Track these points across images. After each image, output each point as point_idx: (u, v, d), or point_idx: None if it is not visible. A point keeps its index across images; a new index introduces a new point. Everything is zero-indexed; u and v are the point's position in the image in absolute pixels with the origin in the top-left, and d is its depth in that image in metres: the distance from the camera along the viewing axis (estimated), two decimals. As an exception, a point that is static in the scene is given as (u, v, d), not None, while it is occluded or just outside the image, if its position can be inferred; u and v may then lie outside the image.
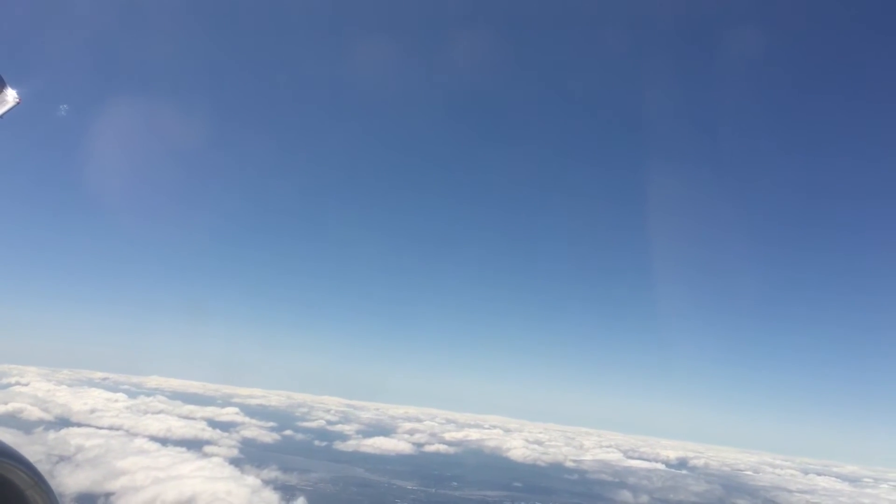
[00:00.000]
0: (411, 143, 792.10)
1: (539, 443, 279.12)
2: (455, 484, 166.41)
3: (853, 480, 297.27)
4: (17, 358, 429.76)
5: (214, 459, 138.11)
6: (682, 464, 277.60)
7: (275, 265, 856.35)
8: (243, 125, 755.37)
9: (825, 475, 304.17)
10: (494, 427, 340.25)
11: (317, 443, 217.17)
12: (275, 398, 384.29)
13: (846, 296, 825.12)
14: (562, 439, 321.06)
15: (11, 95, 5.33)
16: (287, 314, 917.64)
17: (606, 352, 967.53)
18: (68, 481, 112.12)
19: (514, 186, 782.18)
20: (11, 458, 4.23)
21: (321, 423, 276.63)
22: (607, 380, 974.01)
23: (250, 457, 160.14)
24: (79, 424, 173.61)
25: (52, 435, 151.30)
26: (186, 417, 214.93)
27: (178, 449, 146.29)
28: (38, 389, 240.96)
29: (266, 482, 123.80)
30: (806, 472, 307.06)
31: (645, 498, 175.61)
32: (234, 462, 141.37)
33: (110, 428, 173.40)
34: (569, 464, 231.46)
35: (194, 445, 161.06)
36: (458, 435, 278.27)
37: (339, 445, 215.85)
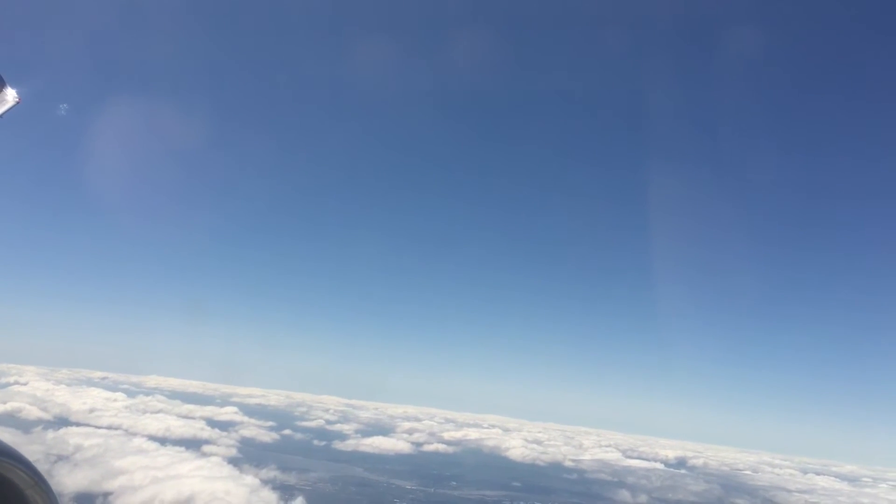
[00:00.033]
0: (411, 143, 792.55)
1: (538, 442, 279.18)
2: (454, 483, 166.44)
3: (852, 480, 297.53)
4: (15, 357, 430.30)
5: (213, 459, 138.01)
6: (680, 463, 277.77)
7: (274, 265, 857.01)
8: (243, 125, 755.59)
9: (824, 475, 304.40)
10: (493, 426, 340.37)
11: (316, 442, 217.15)
12: (274, 398, 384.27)
13: (845, 296, 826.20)
14: (561, 439, 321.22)
15: (11, 95, 5.33)
16: (286, 314, 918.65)
17: (605, 351, 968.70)
18: (67, 481, 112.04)
19: (513, 186, 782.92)
20: (11, 457, 4.23)
21: (320, 422, 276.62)
22: (606, 380, 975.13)
23: (249, 456, 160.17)
24: (77, 424, 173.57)
25: (50, 434, 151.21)
26: (185, 417, 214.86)
27: (177, 448, 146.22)
28: (36, 389, 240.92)
29: (265, 482, 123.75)
30: (805, 472, 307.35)
31: (644, 497, 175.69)
32: (233, 461, 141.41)
33: (109, 427, 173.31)
34: (568, 463, 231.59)
35: (193, 445, 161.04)
36: (456, 434, 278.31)
37: (338, 445, 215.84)
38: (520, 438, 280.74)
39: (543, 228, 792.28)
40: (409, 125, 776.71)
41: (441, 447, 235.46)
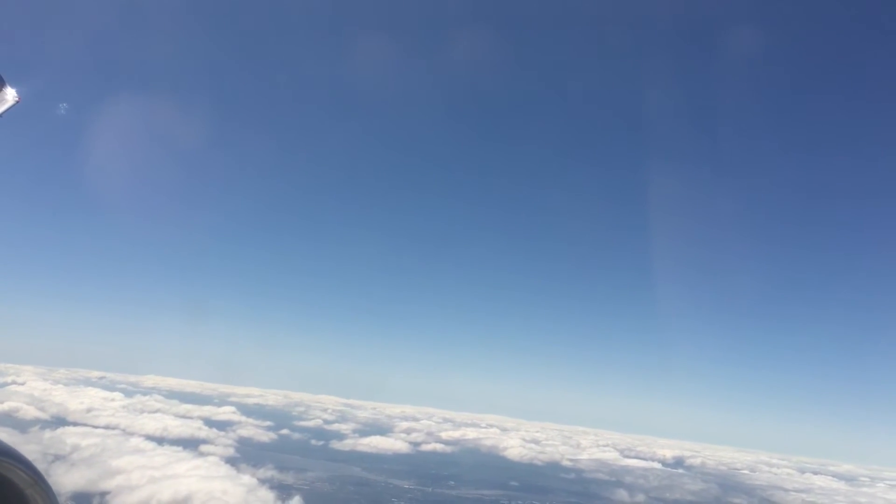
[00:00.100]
0: (411, 143, 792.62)
1: (536, 442, 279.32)
2: (452, 483, 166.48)
3: (849, 479, 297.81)
4: (13, 357, 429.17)
5: (210, 458, 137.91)
6: (678, 463, 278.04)
7: (272, 264, 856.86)
8: (243, 125, 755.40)
9: (822, 474, 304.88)
10: (491, 426, 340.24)
11: (313, 442, 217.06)
12: (272, 397, 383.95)
13: (844, 296, 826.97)
14: (559, 438, 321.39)
15: (11, 94, 5.32)
16: (285, 313, 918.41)
17: (604, 351, 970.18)
18: (64, 480, 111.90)
19: (512, 186, 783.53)
20: (11, 456, 4.23)
21: (318, 422, 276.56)
22: (604, 379, 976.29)
23: (247, 456, 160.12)
24: (75, 423, 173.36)
25: (47, 434, 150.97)
26: (183, 416, 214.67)
27: (175, 448, 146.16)
28: (34, 388, 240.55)
29: (262, 481, 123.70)
30: (802, 471, 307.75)
31: (641, 497, 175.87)
32: (231, 461, 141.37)
33: (106, 427, 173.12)
34: (565, 463, 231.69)
35: (190, 444, 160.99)
36: (454, 434, 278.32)
37: (336, 444, 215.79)
38: (518, 438, 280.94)
39: (542, 228, 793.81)
40: (408, 125, 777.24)
41: (439, 447, 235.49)
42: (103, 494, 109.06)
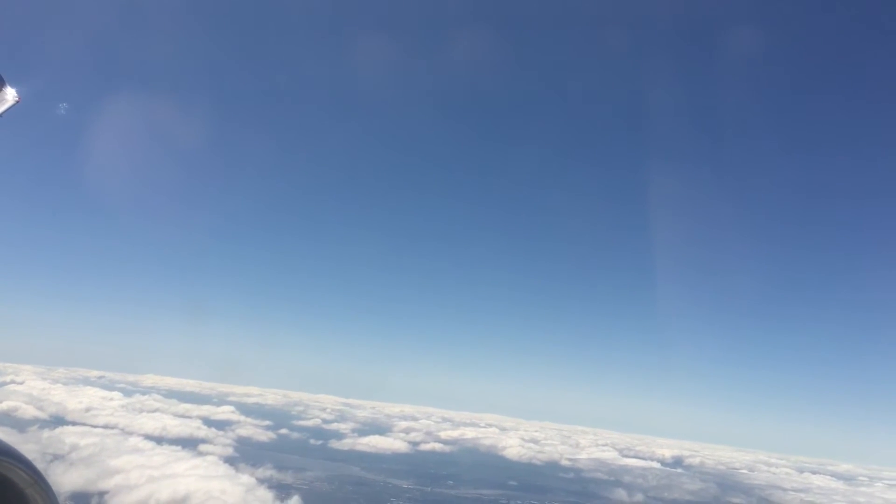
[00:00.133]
0: (411, 143, 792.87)
1: (535, 441, 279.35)
2: (451, 482, 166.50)
3: (848, 479, 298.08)
4: (12, 356, 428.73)
5: (209, 458, 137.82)
6: (677, 462, 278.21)
7: (272, 264, 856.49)
8: (243, 125, 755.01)
9: (820, 474, 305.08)
10: (490, 426, 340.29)
11: (312, 441, 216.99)
12: (271, 397, 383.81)
13: (843, 296, 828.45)
14: (558, 438, 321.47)
15: (11, 94, 5.32)
16: (284, 313, 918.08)
17: (603, 351, 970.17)
18: (62, 480, 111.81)
19: (510, 185, 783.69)
20: (11, 456, 4.23)
21: (317, 421, 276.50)
22: (603, 379, 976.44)
23: (245, 455, 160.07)
24: (74, 423, 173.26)
25: (46, 433, 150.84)
26: (182, 416, 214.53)
27: (173, 447, 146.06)
28: (33, 388, 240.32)
29: (261, 481, 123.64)
30: (801, 471, 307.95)
31: (640, 496, 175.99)
32: (229, 461, 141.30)
33: (105, 426, 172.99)
34: (564, 462, 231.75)
35: (189, 444, 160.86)
36: (453, 433, 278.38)
37: (335, 444, 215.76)
38: (516, 437, 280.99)
39: (541, 228, 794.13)
40: (409, 125, 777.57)
41: (438, 446, 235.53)
42: (102, 494, 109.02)
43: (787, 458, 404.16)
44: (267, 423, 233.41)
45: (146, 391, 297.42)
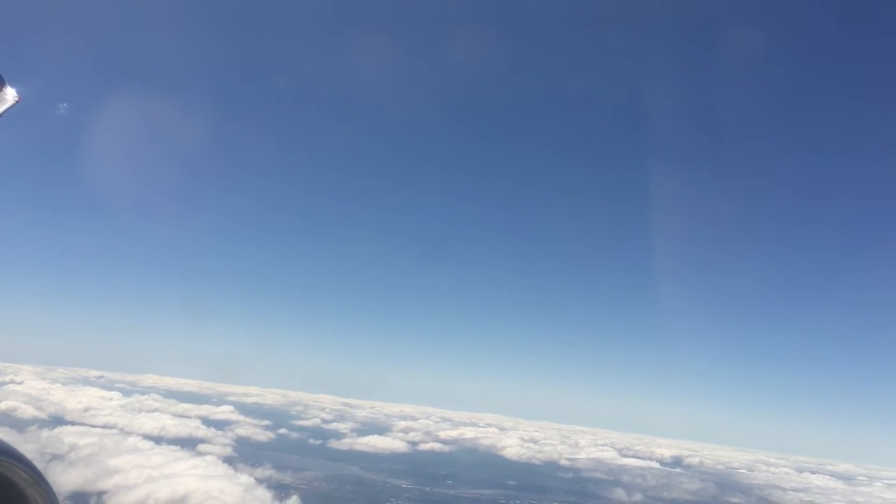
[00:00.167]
0: (411, 143, 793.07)
1: (534, 441, 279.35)
2: (450, 482, 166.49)
3: (847, 479, 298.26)
4: (11, 356, 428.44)
5: (208, 458, 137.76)
6: (676, 462, 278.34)
7: (271, 264, 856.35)
8: (243, 125, 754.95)
9: (819, 473, 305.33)
10: (489, 425, 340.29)
11: (311, 441, 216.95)
12: (270, 396, 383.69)
13: (842, 295, 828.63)
14: (557, 438, 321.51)
15: (11, 94, 5.32)
16: (283, 313, 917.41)
17: (602, 350, 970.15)
18: (61, 480, 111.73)
19: (509, 185, 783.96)
20: (11, 456, 4.24)
21: (316, 421, 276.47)
22: (603, 379, 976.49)
23: (244, 455, 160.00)
24: (73, 423, 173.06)
25: (45, 433, 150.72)
26: (181, 416, 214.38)
27: (172, 447, 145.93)
28: (32, 388, 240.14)
29: (260, 480, 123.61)
30: (800, 471, 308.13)
31: (639, 496, 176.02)
32: (228, 460, 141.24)
33: (104, 426, 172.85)
34: (563, 462, 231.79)
35: (188, 444, 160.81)
36: (453, 433, 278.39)
37: (334, 444, 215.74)
38: (516, 437, 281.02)
39: (540, 228, 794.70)
40: (408, 125, 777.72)
41: (437, 446, 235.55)
42: (101, 494, 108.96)
43: (787, 457, 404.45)
44: (266, 422, 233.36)
45: (145, 391, 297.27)
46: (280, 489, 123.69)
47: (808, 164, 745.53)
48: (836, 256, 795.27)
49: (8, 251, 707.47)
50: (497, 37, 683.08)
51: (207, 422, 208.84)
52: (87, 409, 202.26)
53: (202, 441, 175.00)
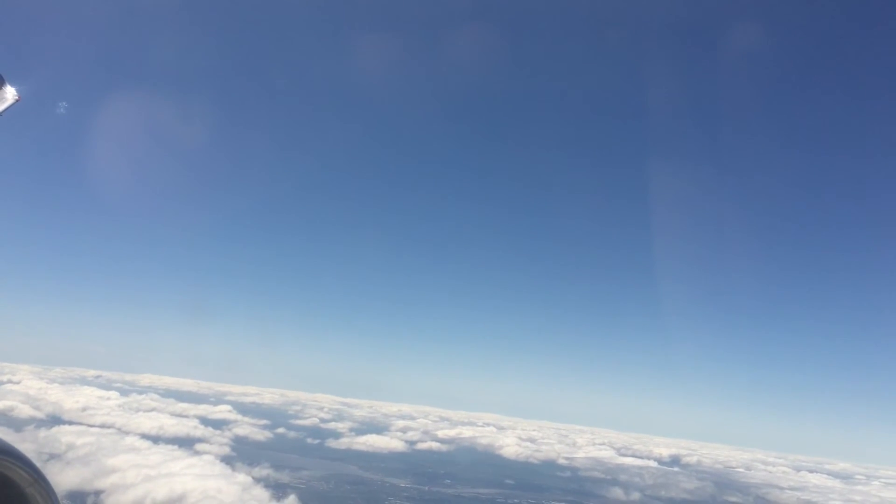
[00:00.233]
0: (411, 143, 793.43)
1: (532, 440, 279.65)
2: (448, 481, 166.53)
3: (845, 477, 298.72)
4: (9, 356, 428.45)
5: (206, 457, 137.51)
6: (674, 461, 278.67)
7: (269, 264, 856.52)
8: (243, 125, 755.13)
9: (817, 472, 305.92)
10: (487, 425, 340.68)
11: (309, 441, 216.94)
12: (268, 396, 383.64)
13: (840, 294, 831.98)
14: (555, 437, 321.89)
15: (11, 93, 5.32)
16: (282, 312, 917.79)
17: (601, 350, 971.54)
18: (58, 479, 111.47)
19: (507, 184, 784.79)
20: (11, 455, 4.23)
21: (314, 420, 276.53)
22: (601, 378, 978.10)
23: (242, 455, 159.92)
24: (70, 422, 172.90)
25: (43, 433, 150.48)
26: (179, 415, 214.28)
27: (170, 447, 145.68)
28: (29, 387, 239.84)
29: (257, 480, 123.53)
30: (798, 470, 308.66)
31: (636, 495, 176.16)
32: (226, 460, 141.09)
33: (102, 426, 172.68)
34: (561, 461, 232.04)
35: (186, 443, 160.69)
36: (451, 433, 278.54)
37: (332, 443, 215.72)
38: (514, 436, 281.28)
39: (539, 227, 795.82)
40: (409, 125, 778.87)
41: (435, 445, 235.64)
42: (98, 493, 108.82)
43: (784, 456, 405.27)
44: (264, 422, 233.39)
45: (143, 390, 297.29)
46: (278, 488, 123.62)
47: (809, 164, 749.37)
48: (835, 255, 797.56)
49: (6, 250, 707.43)
50: (497, 37, 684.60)
51: (205, 421, 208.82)
52: (84, 409, 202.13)
53: (200, 440, 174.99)
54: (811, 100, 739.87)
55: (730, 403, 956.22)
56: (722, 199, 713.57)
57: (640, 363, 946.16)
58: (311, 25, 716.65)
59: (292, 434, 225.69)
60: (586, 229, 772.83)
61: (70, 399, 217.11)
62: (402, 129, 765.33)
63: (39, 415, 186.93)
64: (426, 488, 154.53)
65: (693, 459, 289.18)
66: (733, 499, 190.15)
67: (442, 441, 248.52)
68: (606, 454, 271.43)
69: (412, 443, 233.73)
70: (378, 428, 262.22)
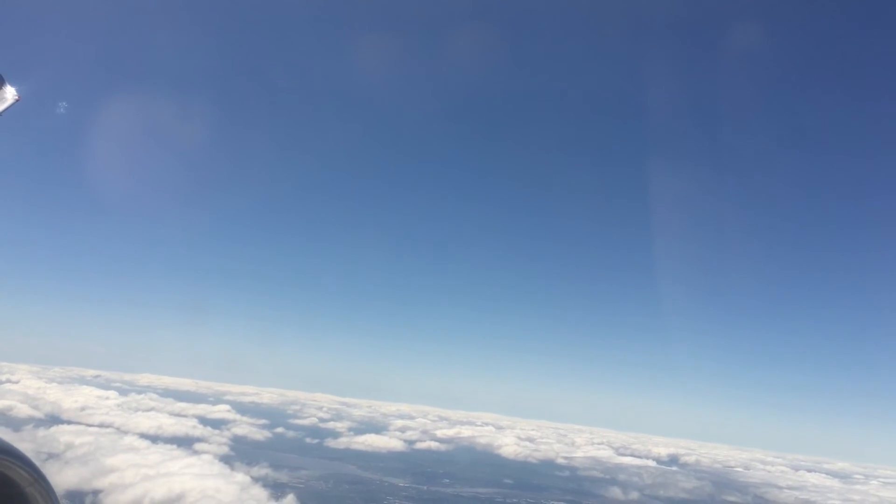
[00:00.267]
0: (411, 143, 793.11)
1: (531, 440, 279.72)
2: (447, 481, 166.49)
3: (843, 477, 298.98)
4: (8, 355, 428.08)
5: (204, 457, 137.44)
6: (673, 460, 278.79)
7: (269, 263, 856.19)
8: (243, 125, 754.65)
9: (816, 472, 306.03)
10: (486, 424, 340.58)
11: (308, 440, 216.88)
12: (267, 396, 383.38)
13: (839, 294, 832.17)
14: (553, 436, 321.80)
15: (11, 93, 5.32)
16: (281, 312, 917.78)
17: (600, 350, 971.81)
18: (57, 479, 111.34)
19: (507, 183, 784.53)
20: (11, 455, 4.24)
21: (313, 420, 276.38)
22: (600, 377, 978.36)
23: (241, 454, 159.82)
24: (69, 422, 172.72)
25: (41, 432, 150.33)
26: (178, 415, 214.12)
27: (169, 446, 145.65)
28: (28, 387, 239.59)
29: (256, 479, 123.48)
30: (796, 469, 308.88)
31: (635, 494, 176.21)
32: (225, 459, 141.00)
33: (100, 425, 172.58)
34: (560, 461, 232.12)
35: (185, 443, 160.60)
36: (449, 432, 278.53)
37: (331, 443, 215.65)
38: (512, 436, 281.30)
39: (539, 227, 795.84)
40: (409, 125, 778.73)
41: (434, 445, 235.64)
42: (97, 492, 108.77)
43: (783, 456, 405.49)
44: (263, 421, 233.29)
45: (142, 390, 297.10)
46: (276, 488, 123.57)
47: (810, 164, 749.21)
48: (834, 255, 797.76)
49: (6, 250, 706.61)
50: (497, 36, 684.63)
51: (204, 421, 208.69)
52: (83, 408, 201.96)
53: (199, 440, 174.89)
54: (811, 100, 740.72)
55: (728, 403, 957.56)
56: (722, 199, 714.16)
57: (638, 363, 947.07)
58: (311, 25, 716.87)
59: (291, 434, 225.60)
60: (585, 229, 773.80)
61: (69, 398, 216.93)
62: (402, 128, 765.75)
63: (38, 414, 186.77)
64: (425, 488, 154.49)
65: (692, 459, 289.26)
66: (732, 498, 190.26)
67: (441, 440, 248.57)
68: (605, 454, 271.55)
69: (411, 442, 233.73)
70: (377, 427, 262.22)
